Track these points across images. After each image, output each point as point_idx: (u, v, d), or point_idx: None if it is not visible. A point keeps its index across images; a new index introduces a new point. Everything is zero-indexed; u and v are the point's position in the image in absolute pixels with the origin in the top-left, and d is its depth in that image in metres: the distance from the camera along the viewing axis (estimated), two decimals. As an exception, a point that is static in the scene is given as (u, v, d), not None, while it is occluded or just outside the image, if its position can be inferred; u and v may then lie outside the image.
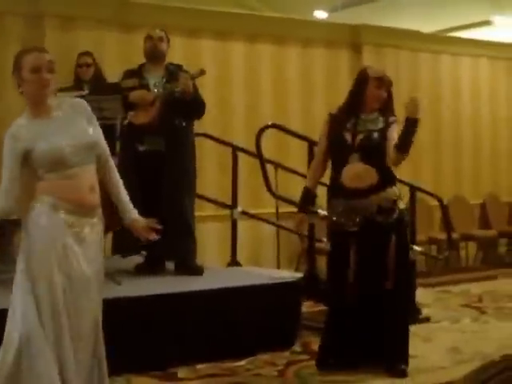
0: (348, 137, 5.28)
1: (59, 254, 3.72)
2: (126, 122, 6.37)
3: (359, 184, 5.21)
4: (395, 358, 5.28)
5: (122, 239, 6.39)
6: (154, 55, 6.43)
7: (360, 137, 5.27)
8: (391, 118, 5.32)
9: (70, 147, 3.73)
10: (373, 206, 5.21)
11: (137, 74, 6.48)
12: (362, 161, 5.23)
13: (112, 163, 4.03)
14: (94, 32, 8.21)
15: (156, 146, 6.24)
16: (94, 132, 3.91)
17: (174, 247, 6.26)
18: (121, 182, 4.02)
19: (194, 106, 6.32)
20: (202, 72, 6.34)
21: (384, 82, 5.32)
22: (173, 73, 6.37)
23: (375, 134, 5.28)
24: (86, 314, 3.85)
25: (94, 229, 3.84)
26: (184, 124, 6.34)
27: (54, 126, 3.78)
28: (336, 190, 5.34)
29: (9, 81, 7.58)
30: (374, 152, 5.25)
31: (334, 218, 5.39)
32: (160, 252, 6.35)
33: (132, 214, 3.99)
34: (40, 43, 7.94)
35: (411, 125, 5.00)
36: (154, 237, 4.01)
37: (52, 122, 3.79)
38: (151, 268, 6.43)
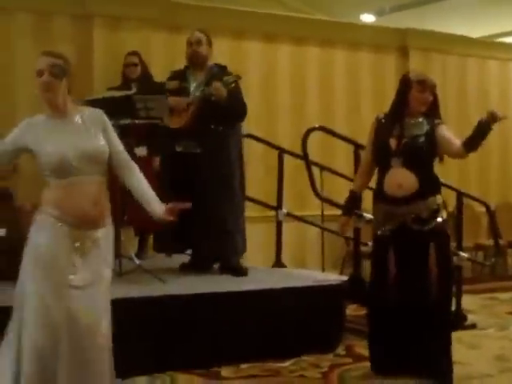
0: (392, 142, 5.20)
1: (59, 267, 3.74)
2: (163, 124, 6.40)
3: (398, 192, 5.13)
4: (434, 371, 5.18)
5: (162, 238, 6.42)
6: (194, 59, 6.45)
7: (404, 142, 5.21)
8: (436, 121, 5.24)
9: (76, 154, 3.74)
10: (410, 214, 5.12)
11: (180, 75, 6.51)
12: (405, 166, 5.13)
13: (134, 165, 4.02)
14: (141, 32, 8.24)
15: (190, 148, 6.24)
16: (110, 142, 3.90)
17: (218, 248, 6.30)
18: (145, 182, 4.02)
19: (229, 111, 6.29)
20: (238, 77, 6.31)
21: (427, 85, 5.24)
22: (214, 76, 6.36)
23: (420, 139, 5.18)
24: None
25: (96, 242, 3.83)
26: (221, 128, 6.33)
27: (67, 130, 3.81)
28: (378, 194, 5.29)
29: (19, 76, 7.68)
30: (417, 157, 5.16)
31: (375, 222, 5.36)
32: (205, 252, 6.36)
33: (160, 209, 3.96)
34: (88, 43, 8.03)
35: (485, 126, 4.93)
36: (171, 219, 3.96)
37: (66, 126, 3.82)
38: (196, 267, 6.43)
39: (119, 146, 3.97)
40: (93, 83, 7.87)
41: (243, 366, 5.52)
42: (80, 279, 3.75)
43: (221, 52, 7.27)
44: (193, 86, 6.41)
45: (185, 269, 6.49)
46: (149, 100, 6.29)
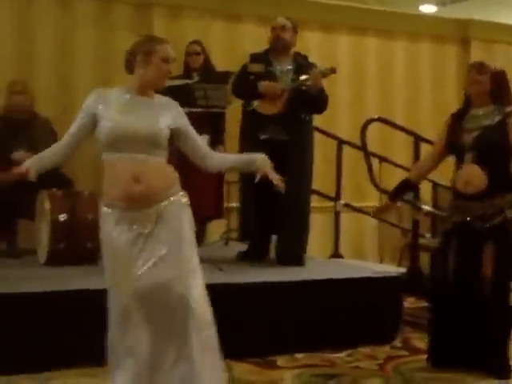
0: (463, 136, 5.10)
1: (121, 258, 3.75)
2: (250, 108, 6.37)
3: (466, 189, 5.04)
4: (490, 367, 5.10)
5: (247, 226, 6.42)
6: (277, 44, 6.40)
7: (473, 135, 5.07)
8: (508, 108, 5.06)
9: (131, 128, 3.75)
10: (474, 212, 5.04)
11: (263, 59, 6.44)
12: (477, 161, 5.00)
13: (209, 150, 4.05)
14: (201, 21, 8.25)
15: (278, 136, 6.22)
16: (178, 124, 3.92)
17: (284, 237, 6.31)
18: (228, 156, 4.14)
19: (318, 102, 6.29)
20: (333, 70, 6.27)
21: (482, 69, 5.08)
22: (301, 65, 6.36)
23: (491, 131, 5.03)
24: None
25: (159, 218, 3.79)
26: (307, 118, 6.36)
27: (137, 106, 3.84)
28: (452, 189, 5.23)
29: (118, 65, 7.80)
30: (489, 151, 4.99)
31: (443, 215, 5.30)
32: (265, 240, 6.38)
33: (256, 159, 4.02)
34: (148, 31, 8.04)
35: None
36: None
37: (139, 102, 3.85)
38: (253, 256, 6.44)
39: (196, 137, 4.00)
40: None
41: (299, 355, 5.51)
42: (147, 261, 3.73)
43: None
44: (279, 71, 6.37)
45: (242, 257, 6.50)
46: (208, 89, 6.30)
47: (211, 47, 7.95)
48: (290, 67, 6.36)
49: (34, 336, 4.89)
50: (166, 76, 3.89)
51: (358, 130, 7.39)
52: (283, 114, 6.20)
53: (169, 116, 3.88)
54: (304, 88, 6.19)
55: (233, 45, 8.15)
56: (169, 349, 3.76)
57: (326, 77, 6.25)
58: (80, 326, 4.94)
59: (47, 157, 3.91)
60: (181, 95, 5.94)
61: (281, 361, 5.41)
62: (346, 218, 7.75)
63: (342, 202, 7.45)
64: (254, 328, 5.42)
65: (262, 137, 6.22)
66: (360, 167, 7.57)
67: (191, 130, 3.99)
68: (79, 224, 6.02)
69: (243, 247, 6.60)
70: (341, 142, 7.60)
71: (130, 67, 3.91)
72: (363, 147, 7.31)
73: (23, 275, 5.70)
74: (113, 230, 3.77)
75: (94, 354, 4.51)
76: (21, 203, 6.43)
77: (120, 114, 3.78)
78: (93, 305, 4.92)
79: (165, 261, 3.73)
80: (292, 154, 6.16)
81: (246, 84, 6.36)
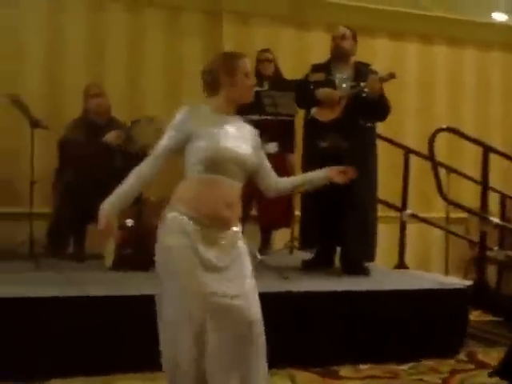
0: None
1: (189, 268, 3.68)
2: (309, 117, 6.38)
3: None
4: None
5: (310, 234, 6.42)
6: (338, 53, 6.43)
7: None
8: None
9: (231, 152, 3.71)
10: None
11: (325, 68, 6.47)
12: None
13: (276, 178, 4.00)
14: (270, 29, 8.29)
15: (338, 143, 6.21)
16: (256, 154, 3.86)
17: (349, 246, 6.30)
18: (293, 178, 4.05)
19: (378, 108, 6.27)
20: (392, 76, 6.21)
21: None
22: (361, 72, 6.34)
23: None
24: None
25: (229, 241, 3.76)
26: (369, 125, 6.34)
27: (229, 126, 3.78)
28: None
29: (186, 72, 7.87)
30: None
31: None
32: (330, 249, 6.36)
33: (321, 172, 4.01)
34: (218, 39, 8.14)
35: None
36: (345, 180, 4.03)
37: (229, 122, 3.80)
38: (319, 265, 6.43)
39: (269, 171, 3.98)
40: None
41: (362, 366, 5.47)
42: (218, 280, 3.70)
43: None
44: (338, 79, 6.39)
45: (307, 266, 6.49)
46: (277, 96, 6.31)
47: (280, 54, 7.96)
48: (349, 75, 6.36)
49: (97, 339, 4.96)
50: (252, 89, 3.83)
51: (425, 139, 7.31)
52: (342, 121, 6.18)
53: (251, 144, 3.84)
54: (362, 95, 6.17)
55: (301, 52, 8.15)
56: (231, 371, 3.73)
57: (384, 82, 6.21)
58: (143, 331, 4.98)
59: (127, 197, 3.85)
60: (250, 102, 5.99)
61: (344, 371, 5.38)
62: (411, 228, 7.68)
63: (409, 211, 7.37)
64: (318, 337, 5.40)
65: (322, 145, 6.23)
66: (427, 177, 7.48)
67: (266, 162, 3.96)
68: (146, 230, 6.07)
69: (308, 256, 6.58)
70: (408, 152, 7.52)
71: (212, 88, 3.81)
72: (431, 157, 7.22)
73: (89, 279, 5.77)
74: (186, 239, 3.70)
75: (155, 359, 4.58)
76: (90, 208, 6.50)
77: (218, 137, 3.71)
78: (150, 310, 5.01)
79: (232, 281, 3.71)
80: (352, 161, 6.10)
81: (305, 92, 6.37)
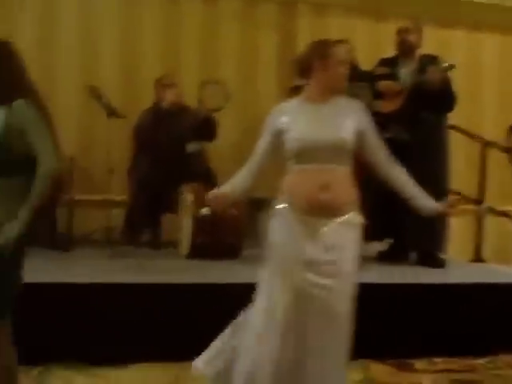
0: None
1: (293, 261, 3.71)
2: (374, 110, 6.36)
3: None
4: None
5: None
6: (402, 47, 6.45)
7: None
8: None
9: (316, 139, 3.71)
10: None
11: (391, 63, 6.51)
12: None
13: (388, 158, 3.94)
14: (345, 19, 8.24)
15: (400, 134, 6.17)
16: (363, 126, 3.85)
17: (420, 238, 6.23)
18: (407, 180, 3.96)
19: (441, 100, 6.19)
20: (451, 66, 6.17)
21: None
22: (425, 65, 6.29)
23: None
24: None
25: (334, 230, 3.74)
26: (432, 116, 6.27)
27: (321, 114, 3.79)
28: None
29: (260, 62, 7.87)
30: None
31: None
32: (405, 241, 6.31)
33: (433, 206, 3.90)
34: (293, 30, 8.11)
35: None
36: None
37: (322, 109, 3.80)
38: (393, 257, 6.38)
39: (377, 141, 3.93)
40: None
41: (438, 359, 5.41)
42: (317, 271, 3.70)
43: (427, 40, 7.13)
44: (403, 73, 6.39)
45: (382, 257, 6.45)
46: (354, 87, 6.26)
47: (355, 45, 7.90)
48: (413, 68, 6.34)
49: (172, 326, 5.00)
50: (345, 78, 3.83)
51: (503, 132, 7.19)
52: (403, 112, 6.15)
53: (352, 120, 3.81)
54: (425, 87, 6.12)
55: (377, 44, 8.08)
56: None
57: (445, 73, 6.15)
58: (219, 319, 5.00)
59: (238, 185, 3.89)
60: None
61: (419, 364, 5.33)
62: (488, 221, 7.56)
63: (486, 204, 7.26)
64: (393, 329, 5.36)
65: (385, 136, 6.20)
66: (505, 169, 7.36)
67: (374, 135, 3.91)
68: (221, 219, 6.10)
69: (383, 247, 6.54)
70: (486, 144, 7.41)
71: (305, 73, 3.84)
72: (509, 149, 7.11)
73: (165, 267, 5.84)
74: (287, 232, 3.75)
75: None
76: (165, 197, 6.60)
77: (305, 125, 3.74)
78: (231, 298, 5.02)
79: (331, 276, 3.71)
80: (416, 154, 6.05)
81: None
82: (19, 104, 3.36)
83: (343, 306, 3.75)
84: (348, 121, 3.79)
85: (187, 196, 6.34)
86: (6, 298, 3.42)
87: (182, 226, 6.45)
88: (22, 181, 3.36)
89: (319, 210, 3.69)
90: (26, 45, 7.14)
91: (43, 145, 3.33)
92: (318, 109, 3.80)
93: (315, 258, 3.68)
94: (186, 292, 5.13)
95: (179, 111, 6.95)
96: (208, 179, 6.57)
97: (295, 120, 3.77)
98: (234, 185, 3.89)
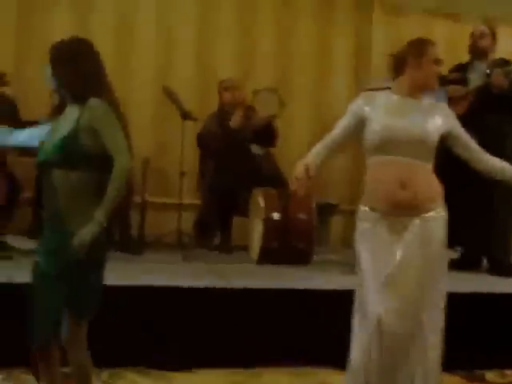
0: None
1: (380, 262, 3.69)
2: None
3: None
4: None
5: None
6: (475, 52, 6.42)
7: None
8: None
9: (402, 131, 3.72)
10: None
11: (463, 68, 6.46)
12: None
13: (482, 151, 3.97)
14: (421, 20, 8.16)
15: None
16: (449, 127, 3.86)
17: (490, 245, 6.17)
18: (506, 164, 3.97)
19: (506, 102, 6.11)
20: None
21: None
22: (495, 67, 6.21)
23: None
24: None
25: (416, 229, 3.72)
26: (501, 119, 6.21)
27: (408, 108, 3.81)
28: None
29: (334, 60, 7.81)
30: None
31: None
32: (476, 249, 6.22)
33: None
34: (367, 30, 8.07)
35: None
36: None
37: (409, 104, 3.82)
38: (465, 265, 6.29)
39: (467, 139, 3.95)
40: (370, 70, 7.90)
41: (508, 371, 5.34)
42: (402, 274, 3.69)
43: (500, 41, 7.04)
44: (472, 77, 6.33)
45: (454, 265, 6.36)
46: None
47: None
48: (483, 72, 6.26)
49: (242, 331, 5.01)
50: (437, 77, 3.87)
51: None
52: (469, 116, 6.06)
53: (439, 119, 3.84)
54: (494, 91, 6.08)
55: (454, 45, 7.96)
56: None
57: (508, 76, 6.06)
58: (289, 325, 5.02)
59: (317, 159, 3.86)
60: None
61: (489, 375, 5.27)
62: None
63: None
64: (462, 339, 5.26)
65: None
66: None
67: (462, 132, 3.94)
68: (292, 224, 6.12)
69: (455, 255, 6.46)
70: None
71: (398, 69, 3.88)
72: None
73: (235, 271, 5.85)
74: (371, 231, 3.74)
75: (301, 354, 4.62)
76: (236, 200, 6.63)
77: (389, 117, 3.77)
78: (301, 304, 5.03)
79: (415, 278, 3.69)
80: None
81: None
82: (94, 103, 3.39)
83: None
84: (434, 118, 3.82)
85: (258, 200, 6.36)
86: (86, 298, 3.47)
87: (253, 230, 6.47)
88: (93, 177, 3.39)
89: (400, 209, 3.69)
90: (102, 44, 7.29)
91: (117, 145, 3.37)
92: (405, 103, 3.83)
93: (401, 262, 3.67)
94: (256, 297, 5.14)
95: (242, 114, 6.99)
96: (278, 183, 6.58)
97: (381, 110, 3.80)
98: (314, 157, 3.83)
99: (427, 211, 3.74)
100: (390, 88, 3.93)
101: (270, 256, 6.18)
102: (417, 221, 3.71)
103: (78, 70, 3.45)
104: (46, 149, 3.42)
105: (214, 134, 6.84)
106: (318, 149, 3.86)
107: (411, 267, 3.68)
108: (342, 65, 8.09)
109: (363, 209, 3.80)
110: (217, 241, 6.93)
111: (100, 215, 3.32)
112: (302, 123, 7.74)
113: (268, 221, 6.21)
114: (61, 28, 7.28)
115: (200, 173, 7.03)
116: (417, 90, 3.85)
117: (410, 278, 3.68)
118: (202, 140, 6.91)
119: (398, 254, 3.68)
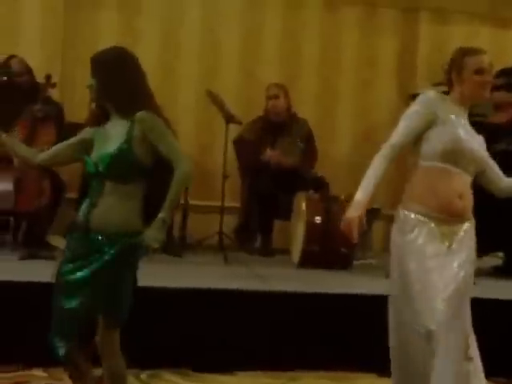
0: None
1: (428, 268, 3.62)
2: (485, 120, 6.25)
3: None
4: None
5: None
6: None
7: None
8: None
9: (468, 145, 3.67)
10: None
11: (510, 73, 6.42)
12: None
13: (502, 175, 3.89)
14: (469, 27, 8.07)
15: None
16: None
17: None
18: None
19: None
20: None
21: None
22: None
23: None
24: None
25: (465, 235, 3.71)
26: None
27: (464, 120, 3.76)
28: None
29: (380, 70, 7.77)
30: None
31: None
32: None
33: None
34: (414, 37, 8.01)
35: None
36: None
37: (463, 118, 3.77)
38: (508, 271, 6.23)
39: (493, 165, 3.88)
40: (416, 78, 7.86)
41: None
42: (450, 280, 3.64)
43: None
44: None
45: (497, 272, 6.31)
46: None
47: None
48: None
49: (282, 334, 4.99)
50: (484, 87, 3.74)
51: None
52: None
53: (477, 140, 3.80)
54: None
55: (501, 51, 7.88)
56: None
57: None
58: (331, 329, 5.01)
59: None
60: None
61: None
62: None
63: None
64: (499, 346, 5.20)
65: (497, 148, 6.08)
66: None
67: (488, 158, 3.87)
68: (334, 228, 6.07)
69: (498, 262, 6.41)
70: None
71: (448, 84, 3.83)
72: None
73: (276, 274, 5.85)
74: (419, 237, 3.67)
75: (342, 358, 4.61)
76: (277, 203, 6.63)
77: (458, 128, 3.69)
78: (341, 309, 5.00)
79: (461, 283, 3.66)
80: None
81: None
82: (143, 116, 3.41)
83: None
84: (475, 136, 3.78)
85: (300, 203, 6.35)
86: (121, 303, 3.48)
87: (295, 233, 6.46)
88: (136, 187, 3.44)
89: (451, 216, 3.66)
90: (148, 47, 7.39)
91: (177, 153, 3.40)
92: (461, 115, 3.77)
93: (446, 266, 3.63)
94: (296, 301, 5.13)
95: (285, 121, 7.00)
96: (320, 187, 6.58)
97: (448, 119, 3.71)
98: (372, 188, 3.66)
99: (468, 219, 3.73)
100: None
101: (310, 260, 6.17)
102: (461, 228, 3.69)
103: (124, 83, 3.46)
104: (96, 161, 3.44)
105: (248, 140, 6.95)
106: (377, 171, 3.65)
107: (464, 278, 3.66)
108: (386, 70, 8.04)
109: (408, 214, 3.70)
110: (258, 244, 6.93)
111: (166, 216, 3.35)
112: (343, 128, 7.72)
113: (310, 224, 6.20)
114: (107, 30, 7.37)
115: (241, 176, 7.04)
116: (466, 103, 3.78)
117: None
118: (237, 145, 6.95)
119: (456, 267, 3.63)
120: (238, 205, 7.11)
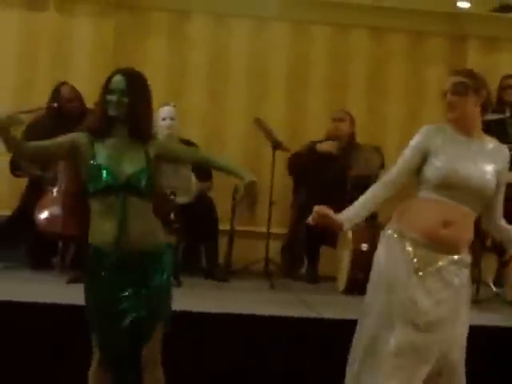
0: None
1: (398, 285, 3.62)
2: None
3: None
4: None
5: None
6: None
7: None
8: None
9: (463, 177, 3.58)
10: None
11: None
12: None
13: (501, 217, 3.79)
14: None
15: None
16: (499, 180, 3.70)
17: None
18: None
19: None
20: None
21: None
22: None
23: None
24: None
25: (442, 268, 3.62)
26: None
27: (470, 151, 3.66)
28: None
29: (429, 98, 7.75)
30: None
31: None
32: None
33: None
34: (462, 64, 7.94)
35: None
36: None
37: (470, 145, 3.68)
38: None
39: (501, 195, 3.79)
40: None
41: None
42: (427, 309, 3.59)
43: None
44: None
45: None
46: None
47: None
48: None
49: (328, 361, 4.93)
50: (448, 109, 3.64)
51: None
52: None
53: (498, 167, 3.69)
54: None
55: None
56: None
57: None
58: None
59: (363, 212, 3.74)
60: (495, 130, 5.85)
61: None
62: None
63: None
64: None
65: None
66: None
67: (503, 186, 3.77)
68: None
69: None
70: None
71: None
72: None
73: (322, 301, 5.84)
74: (390, 257, 3.67)
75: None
76: (324, 230, 6.59)
77: (456, 157, 3.62)
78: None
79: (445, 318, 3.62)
80: None
81: None
82: (158, 141, 3.72)
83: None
84: (494, 167, 3.67)
85: (347, 231, 6.32)
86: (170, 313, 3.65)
87: (341, 260, 6.44)
88: (150, 202, 3.59)
89: (435, 245, 3.58)
90: (196, 74, 7.48)
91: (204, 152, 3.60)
92: (467, 143, 3.68)
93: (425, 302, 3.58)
94: (344, 327, 5.08)
95: (344, 146, 6.99)
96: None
97: (447, 147, 3.64)
98: (355, 210, 3.73)
99: (458, 252, 3.64)
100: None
101: (356, 287, 6.12)
102: (450, 258, 3.62)
103: (148, 108, 3.62)
104: (114, 177, 3.51)
105: (305, 162, 6.91)
106: (375, 191, 3.71)
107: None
108: (434, 98, 7.99)
109: (394, 235, 3.67)
110: (304, 270, 6.91)
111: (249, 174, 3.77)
112: (394, 158, 7.68)
113: (356, 252, 6.17)
114: (156, 58, 7.49)
115: (293, 202, 7.05)
116: (463, 129, 3.68)
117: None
118: (291, 168, 6.98)
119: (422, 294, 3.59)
120: (283, 232, 7.11)
